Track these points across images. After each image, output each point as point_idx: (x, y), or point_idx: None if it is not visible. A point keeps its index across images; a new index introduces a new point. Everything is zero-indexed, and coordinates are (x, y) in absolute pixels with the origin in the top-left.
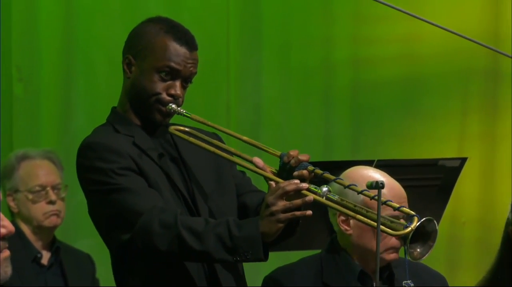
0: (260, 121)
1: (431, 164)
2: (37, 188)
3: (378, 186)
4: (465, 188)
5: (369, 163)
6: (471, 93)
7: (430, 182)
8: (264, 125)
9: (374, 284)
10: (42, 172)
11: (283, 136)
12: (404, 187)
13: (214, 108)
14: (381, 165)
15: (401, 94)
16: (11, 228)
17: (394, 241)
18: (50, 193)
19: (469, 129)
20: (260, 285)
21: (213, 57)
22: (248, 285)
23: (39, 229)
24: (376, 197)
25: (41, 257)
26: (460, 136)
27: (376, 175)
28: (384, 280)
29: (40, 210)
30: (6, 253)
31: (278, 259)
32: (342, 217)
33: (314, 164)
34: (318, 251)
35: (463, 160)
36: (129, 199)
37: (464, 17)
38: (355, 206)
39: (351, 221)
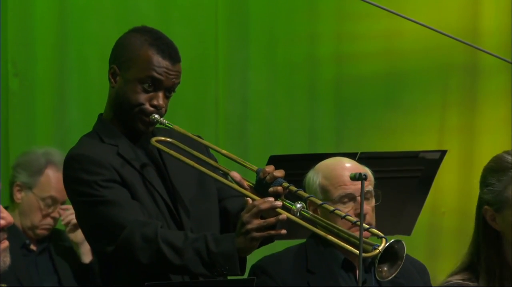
0: (247, 115)
1: (412, 156)
2: (49, 201)
3: (361, 177)
4: (445, 179)
5: (352, 155)
6: (450, 87)
7: (411, 174)
8: (251, 118)
9: (357, 272)
10: (61, 186)
11: (270, 128)
12: (386, 178)
13: (203, 102)
14: (364, 157)
15: (383, 88)
16: (10, 219)
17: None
18: (57, 210)
19: (449, 122)
20: (247, 273)
21: (202, 53)
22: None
23: (30, 230)
24: (358, 223)
25: (29, 244)
26: (440, 129)
27: (348, 163)
28: (366, 268)
29: (39, 219)
30: (5, 243)
31: (264, 248)
32: (312, 207)
33: (300, 156)
34: (303, 240)
35: (443, 152)
36: (112, 212)
37: (444, 14)
38: (327, 224)
39: (318, 209)
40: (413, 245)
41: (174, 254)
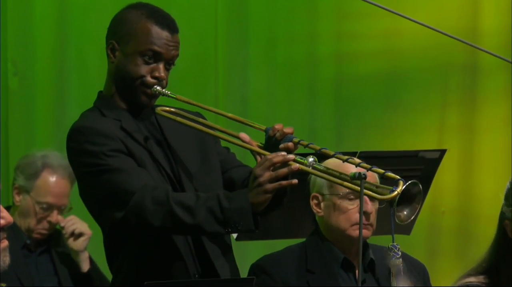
0: (247, 114)
1: (412, 156)
2: (45, 205)
3: (360, 177)
4: (445, 178)
5: (352, 154)
6: (450, 86)
7: (411, 173)
8: (251, 117)
9: (357, 271)
10: (57, 191)
11: None
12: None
13: (202, 101)
14: (363, 156)
15: (383, 87)
16: (10, 219)
17: (357, 217)
18: (54, 214)
19: (448, 121)
20: (247, 273)
21: (201, 52)
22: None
23: (27, 232)
24: (362, 163)
25: (30, 244)
26: (440, 128)
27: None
28: (366, 268)
29: (35, 223)
30: (5, 243)
31: (264, 247)
32: (315, 201)
33: (299, 155)
34: (303, 239)
35: (443, 151)
36: (120, 179)
37: (444, 14)
38: (340, 173)
39: (322, 203)
40: (412, 245)
41: (187, 214)
